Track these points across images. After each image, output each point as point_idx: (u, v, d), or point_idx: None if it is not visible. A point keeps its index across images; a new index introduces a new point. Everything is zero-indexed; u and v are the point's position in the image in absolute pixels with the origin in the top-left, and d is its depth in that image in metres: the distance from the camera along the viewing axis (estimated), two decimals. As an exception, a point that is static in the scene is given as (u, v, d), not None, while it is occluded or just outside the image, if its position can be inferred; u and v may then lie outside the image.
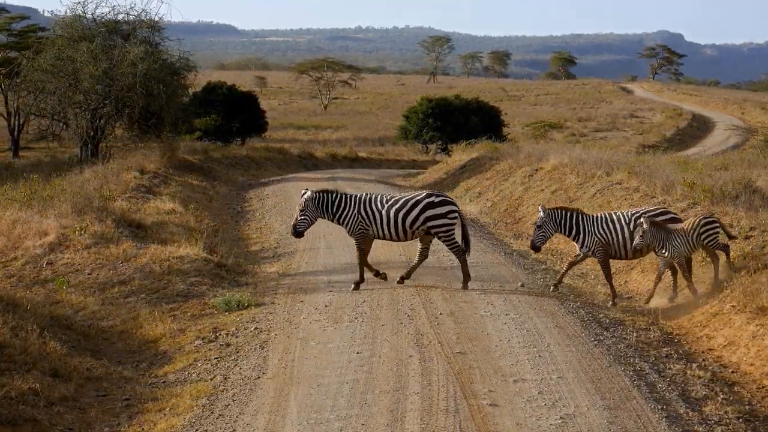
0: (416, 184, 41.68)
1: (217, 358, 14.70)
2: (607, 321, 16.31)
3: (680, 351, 14.84)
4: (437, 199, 18.58)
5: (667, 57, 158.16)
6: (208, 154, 45.45)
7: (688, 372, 13.67)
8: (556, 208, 18.80)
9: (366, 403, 12.14)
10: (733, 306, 15.57)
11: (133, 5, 75.67)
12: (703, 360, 14.39)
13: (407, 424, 11.41)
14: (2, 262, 20.09)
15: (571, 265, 18.98)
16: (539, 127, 71.60)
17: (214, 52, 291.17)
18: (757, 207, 19.79)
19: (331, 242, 23.97)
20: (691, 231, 17.42)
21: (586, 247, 18.30)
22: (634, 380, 13.01)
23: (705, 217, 17.67)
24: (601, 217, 18.39)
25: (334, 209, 18.74)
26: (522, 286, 18.66)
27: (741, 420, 11.90)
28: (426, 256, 18.97)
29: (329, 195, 18.85)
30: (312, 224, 19.12)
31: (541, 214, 18.55)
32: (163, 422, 12.14)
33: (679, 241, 17.37)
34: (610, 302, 17.96)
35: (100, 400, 13.25)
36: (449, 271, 20.09)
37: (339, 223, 18.92)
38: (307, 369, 13.68)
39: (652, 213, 18.17)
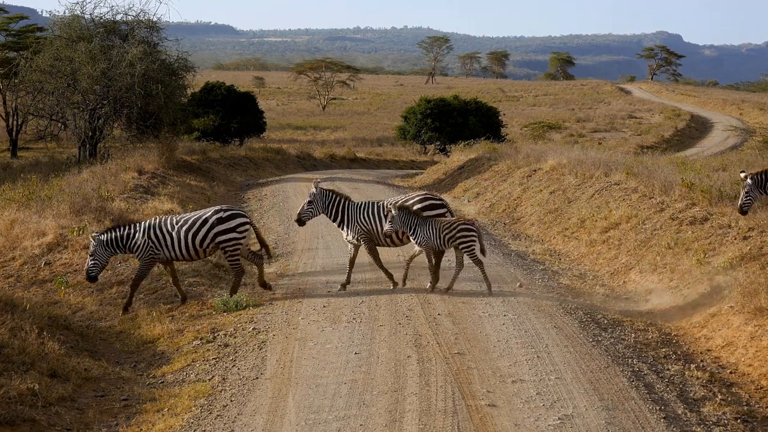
0: (414, 184, 41.68)
1: (215, 358, 14.70)
2: (606, 322, 16.31)
3: (678, 351, 14.84)
4: (225, 214, 17.92)
5: (665, 58, 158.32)
6: (207, 154, 45.43)
7: (687, 372, 13.67)
8: (328, 190, 18.75)
9: (364, 404, 12.14)
10: (731, 307, 15.58)
11: (131, 5, 75.97)
12: (702, 360, 14.39)
13: (405, 424, 11.40)
14: (0, 262, 20.10)
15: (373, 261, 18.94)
16: (538, 127, 71.69)
17: (213, 53, 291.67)
18: (755, 208, 19.79)
19: (329, 243, 23.98)
20: (446, 229, 17.77)
21: (351, 234, 18.48)
22: (633, 381, 13.01)
23: (464, 223, 17.96)
24: (363, 204, 18.59)
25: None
26: (520, 286, 18.66)
27: (739, 420, 11.90)
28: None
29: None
30: None
31: (313, 189, 18.59)
32: (162, 422, 12.14)
33: (431, 231, 17.78)
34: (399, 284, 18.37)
35: (99, 400, 13.25)
36: (447, 271, 20.07)
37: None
38: (305, 369, 13.67)
39: (413, 200, 18.43)
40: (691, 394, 12.75)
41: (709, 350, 14.87)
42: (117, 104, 39.91)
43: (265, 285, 18.43)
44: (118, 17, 42.30)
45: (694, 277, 17.81)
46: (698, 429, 11.50)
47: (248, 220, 18.28)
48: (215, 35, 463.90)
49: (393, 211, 17.81)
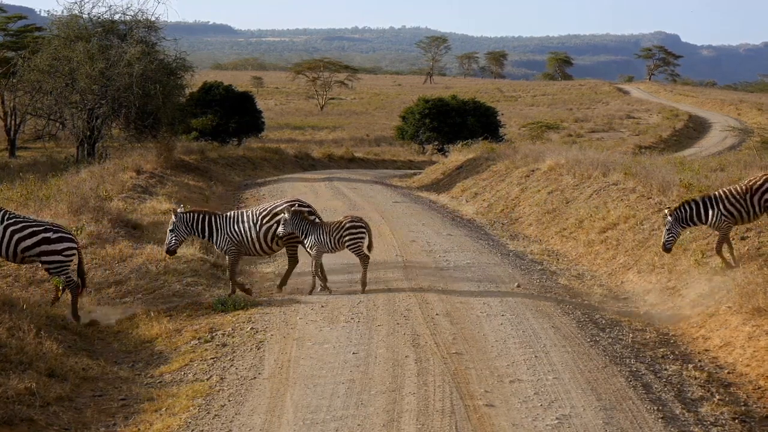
0: (413, 184, 41.70)
1: (213, 358, 14.69)
2: (604, 322, 16.31)
3: (676, 352, 14.85)
4: (54, 236, 17.26)
5: (663, 58, 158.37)
6: (205, 154, 45.41)
7: (684, 373, 13.68)
8: (188, 212, 18.73)
9: (362, 404, 12.14)
10: (729, 307, 15.59)
11: (129, 5, 76.04)
12: (699, 361, 14.39)
13: (403, 424, 11.41)
14: (-2, 261, 20.07)
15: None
16: (536, 127, 71.72)
17: (211, 52, 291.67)
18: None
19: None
20: (336, 230, 18.03)
21: (219, 246, 18.50)
22: (630, 381, 13.02)
23: (352, 220, 18.23)
24: (231, 216, 18.58)
25: None
26: (518, 286, 18.66)
27: (737, 421, 11.90)
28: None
29: None
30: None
31: (173, 218, 18.59)
32: (160, 422, 12.13)
33: (322, 234, 18.05)
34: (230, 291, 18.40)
35: (97, 400, 13.24)
36: (445, 271, 20.09)
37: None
38: (303, 369, 13.68)
39: (282, 206, 18.37)
40: (689, 394, 12.75)
41: (707, 350, 14.88)
42: (115, 104, 39.90)
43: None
44: (117, 17, 42.37)
45: (692, 278, 17.81)
46: (696, 429, 11.51)
47: (76, 245, 17.50)
48: (213, 35, 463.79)
49: (286, 215, 18.04)
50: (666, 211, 18.44)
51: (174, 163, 38.56)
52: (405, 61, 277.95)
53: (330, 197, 33.50)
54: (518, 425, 11.38)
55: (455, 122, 60.70)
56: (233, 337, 15.72)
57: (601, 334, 15.46)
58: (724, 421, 11.84)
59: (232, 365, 14.22)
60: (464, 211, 31.09)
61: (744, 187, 18.10)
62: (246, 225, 18.46)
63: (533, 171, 32.16)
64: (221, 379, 13.64)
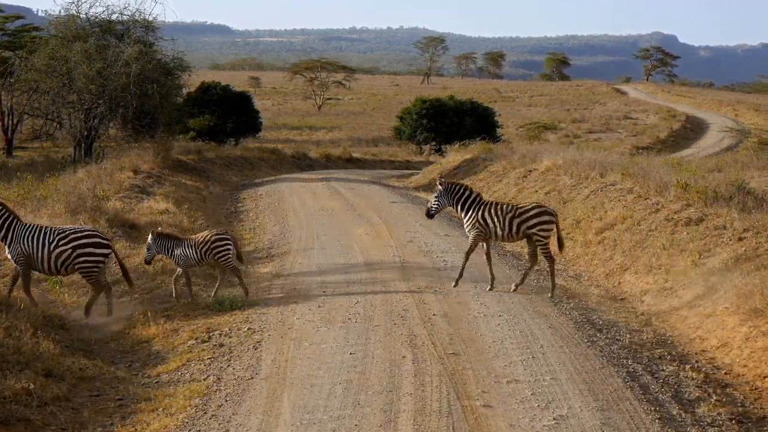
0: (410, 184, 41.69)
1: (210, 358, 14.69)
2: (601, 322, 16.32)
3: (673, 352, 14.85)
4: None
5: (661, 58, 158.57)
6: (202, 154, 45.39)
7: (681, 373, 13.68)
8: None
9: (359, 404, 12.14)
10: (726, 307, 15.59)
11: (127, 5, 75.91)
12: (697, 361, 14.40)
13: (400, 425, 11.41)
14: (-5, 261, 20.05)
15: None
16: (533, 128, 71.73)
17: (209, 53, 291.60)
18: (750, 208, 19.82)
19: (325, 243, 23.96)
20: (202, 244, 18.04)
21: (11, 255, 17.34)
22: (627, 381, 13.03)
23: (218, 234, 18.35)
24: (30, 228, 17.29)
25: None
26: (515, 287, 18.65)
27: (734, 421, 11.91)
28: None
29: None
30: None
31: None
32: (156, 422, 12.13)
33: (188, 250, 18.05)
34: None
35: (94, 400, 13.23)
36: (443, 272, 20.10)
37: None
38: (300, 369, 13.67)
39: (83, 233, 17.38)
40: (686, 395, 12.76)
41: (704, 351, 14.88)
42: (113, 104, 39.90)
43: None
44: (114, 17, 42.40)
45: (690, 279, 17.81)
46: (693, 430, 11.52)
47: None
48: (211, 35, 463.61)
49: (149, 238, 18.17)
50: (438, 180, 19.43)
51: (171, 163, 38.55)
52: (403, 61, 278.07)
53: (328, 197, 33.50)
54: (515, 426, 11.38)
55: (453, 122, 60.71)
56: (230, 337, 15.72)
57: (598, 334, 15.47)
58: (721, 422, 11.85)
59: (229, 365, 14.22)
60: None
61: (511, 207, 18.83)
62: (41, 240, 17.13)
63: (531, 171, 32.15)
64: (218, 379, 13.63)
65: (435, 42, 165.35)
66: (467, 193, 18.90)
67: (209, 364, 14.39)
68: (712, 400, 12.57)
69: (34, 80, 40.29)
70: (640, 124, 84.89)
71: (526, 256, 19.47)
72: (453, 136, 55.97)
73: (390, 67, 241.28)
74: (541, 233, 18.60)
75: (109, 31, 41.86)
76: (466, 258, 18.95)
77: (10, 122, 49.21)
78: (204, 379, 13.69)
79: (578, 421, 11.51)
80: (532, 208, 18.72)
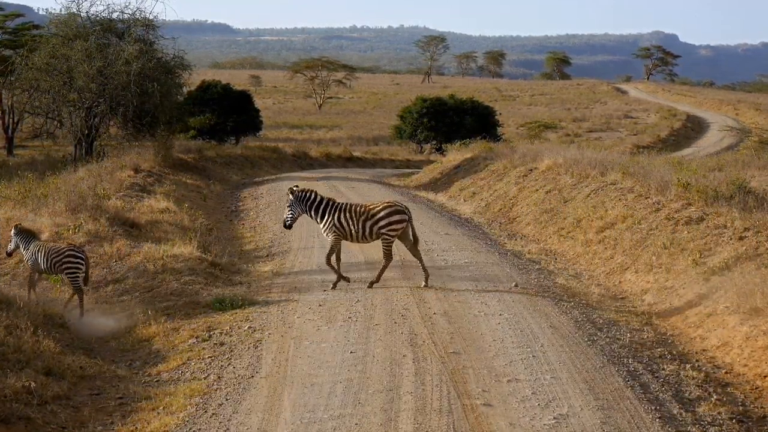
0: (410, 183, 41.70)
1: (210, 357, 14.69)
2: (601, 321, 16.32)
3: (674, 351, 14.85)
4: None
5: (661, 57, 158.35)
6: (203, 153, 45.42)
7: (682, 372, 13.68)
8: None
9: (359, 403, 12.14)
10: (726, 307, 15.59)
11: (127, 4, 75.97)
12: (697, 360, 14.40)
13: (401, 423, 11.41)
14: (-4, 260, 20.08)
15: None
16: (534, 127, 71.70)
17: (209, 51, 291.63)
18: (751, 208, 19.81)
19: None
20: (54, 254, 17.67)
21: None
22: (628, 380, 13.03)
23: (71, 249, 17.89)
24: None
25: None
26: (516, 286, 18.66)
27: (734, 420, 11.91)
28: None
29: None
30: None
31: None
32: (157, 421, 12.12)
33: (39, 253, 17.70)
34: None
35: (94, 398, 13.24)
36: (443, 270, 20.10)
37: None
38: (300, 368, 13.67)
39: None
40: (687, 394, 12.76)
41: (704, 350, 14.88)
42: (113, 102, 39.89)
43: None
44: (115, 15, 42.36)
45: (690, 278, 17.81)
46: (693, 429, 11.51)
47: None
48: (211, 34, 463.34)
49: (12, 231, 18.14)
50: (290, 188, 19.34)
51: (172, 162, 38.57)
52: (403, 60, 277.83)
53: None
54: (516, 424, 11.38)
55: (453, 121, 60.69)
56: (231, 336, 15.72)
57: (598, 333, 15.46)
58: (721, 421, 11.85)
59: (229, 364, 14.22)
60: (462, 210, 31.10)
61: (363, 208, 18.87)
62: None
63: (531, 170, 32.15)
64: (219, 378, 13.63)
65: (436, 41, 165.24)
66: (319, 198, 18.94)
67: (210, 363, 14.40)
68: (712, 399, 12.57)
69: (35, 79, 40.26)
70: (641, 123, 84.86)
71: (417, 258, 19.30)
72: (453, 135, 55.92)
73: (390, 66, 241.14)
74: (390, 232, 18.69)
75: (109, 29, 41.84)
76: (328, 261, 18.90)
77: (11, 121, 49.23)
78: (204, 378, 13.69)
79: (578, 420, 11.51)
80: (383, 208, 18.80)
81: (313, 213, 18.92)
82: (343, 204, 19.08)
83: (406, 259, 21.22)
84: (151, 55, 40.77)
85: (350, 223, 18.71)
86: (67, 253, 17.68)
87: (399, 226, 18.71)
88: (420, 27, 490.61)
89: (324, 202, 18.89)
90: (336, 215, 18.74)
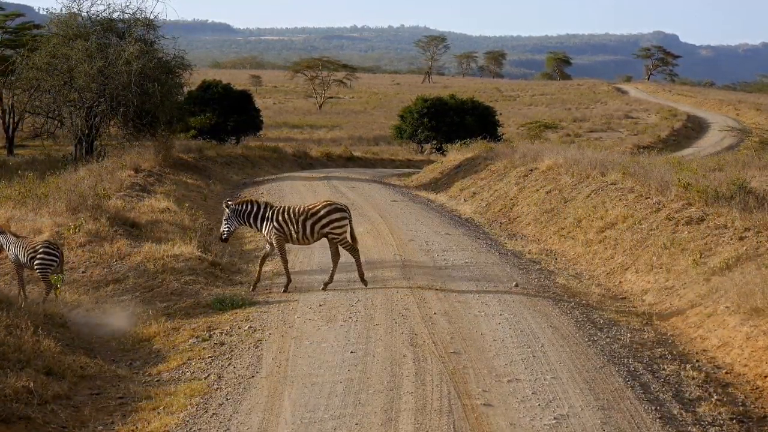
0: (411, 183, 41.70)
1: (211, 356, 14.69)
2: (601, 321, 16.33)
3: (674, 352, 14.85)
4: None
5: (662, 58, 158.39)
6: (203, 152, 45.40)
7: (682, 373, 13.68)
8: None
9: (360, 403, 12.14)
10: (727, 307, 15.58)
11: (128, 3, 76.00)
12: (697, 361, 14.39)
13: (401, 423, 11.41)
14: (-4, 259, 20.07)
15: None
16: (534, 127, 71.61)
17: (210, 51, 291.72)
18: (751, 208, 19.81)
19: (326, 242, 23.92)
20: (30, 251, 17.82)
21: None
22: (628, 381, 13.03)
23: (48, 246, 17.98)
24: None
25: None
26: (516, 286, 18.67)
27: (735, 421, 11.91)
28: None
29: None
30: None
31: None
32: (157, 421, 12.13)
33: (19, 249, 17.91)
34: None
35: (94, 398, 13.24)
36: (443, 270, 20.10)
37: None
38: (301, 368, 13.68)
39: None
40: (687, 395, 12.76)
41: (704, 350, 14.88)
42: (113, 102, 39.85)
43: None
44: (115, 15, 42.29)
45: (690, 278, 17.81)
46: (694, 429, 11.52)
47: None
48: (212, 34, 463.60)
49: None
50: (225, 203, 19.30)
51: (172, 162, 38.56)
52: (404, 60, 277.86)
53: (329, 196, 33.48)
54: (516, 425, 11.39)
55: (453, 121, 60.65)
56: (231, 335, 15.73)
57: (599, 333, 15.47)
58: (722, 421, 11.85)
59: (230, 364, 14.22)
60: (462, 210, 31.10)
61: (302, 209, 18.91)
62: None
63: (531, 170, 32.15)
64: (219, 377, 13.64)
65: (436, 41, 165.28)
66: (255, 207, 18.91)
67: (210, 363, 14.40)
68: (712, 399, 12.57)
69: (35, 78, 40.24)
70: (641, 123, 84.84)
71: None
72: (454, 135, 55.87)
73: (391, 66, 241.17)
74: (335, 231, 18.70)
75: (110, 29, 41.81)
76: (284, 262, 18.94)
77: (11, 120, 49.20)
78: (205, 378, 13.70)
79: (579, 420, 11.51)
80: (323, 207, 18.82)
81: (252, 222, 18.90)
82: (281, 206, 19.08)
83: (406, 259, 21.23)
84: (151, 54, 40.74)
85: (289, 223, 18.69)
86: (40, 249, 17.79)
87: (342, 223, 18.74)
88: (420, 27, 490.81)
89: (263, 209, 18.85)
90: (275, 218, 18.73)
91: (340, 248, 18.87)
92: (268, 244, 19.13)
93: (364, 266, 19.07)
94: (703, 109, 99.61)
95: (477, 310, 16.55)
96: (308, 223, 18.68)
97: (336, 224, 18.72)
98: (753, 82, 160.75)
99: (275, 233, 18.74)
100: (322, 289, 18.55)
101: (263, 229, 18.91)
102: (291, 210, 18.86)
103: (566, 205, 26.28)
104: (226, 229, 19.03)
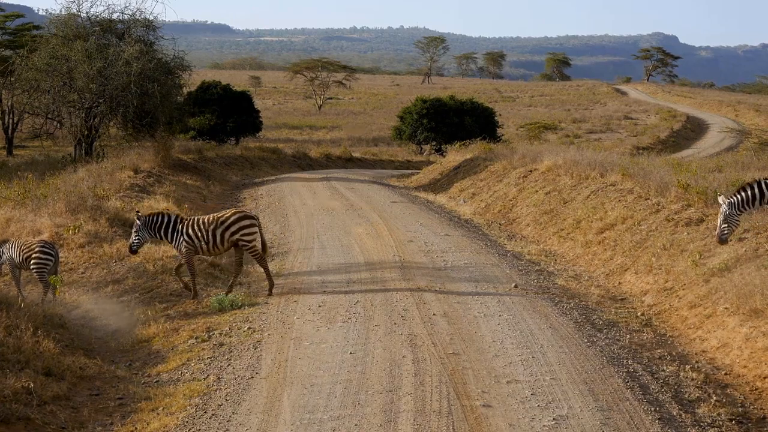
0: (410, 184, 41.69)
1: (210, 357, 14.69)
2: (601, 322, 16.32)
3: (673, 353, 14.85)
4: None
5: (661, 59, 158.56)
6: (203, 153, 45.41)
7: (681, 374, 13.68)
8: None
9: (359, 404, 12.14)
10: (726, 308, 15.58)
11: (127, 4, 76.04)
12: (697, 362, 14.39)
13: (400, 424, 11.41)
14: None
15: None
16: (533, 128, 71.72)
17: (209, 52, 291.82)
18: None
19: (325, 242, 23.97)
20: (26, 251, 17.89)
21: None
22: (628, 382, 13.03)
23: (43, 245, 18.06)
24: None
25: None
26: (515, 287, 18.66)
27: (734, 422, 11.91)
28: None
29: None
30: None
31: None
32: (156, 421, 12.13)
33: (12, 251, 17.96)
34: None
35: (94, 399, 13.24)
36: (443, 271, 20.10)
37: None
38: (300, 369, 13.68)
39: None
40: (686, 396, 12.76)
41: (704, 351, 14.88)
42: (113, 103, 39.88)
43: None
44: (115, 16, 42.39)
45: (690, 279, 17.81)
46: (693, 430, 11.52)
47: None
48: (211, 34, 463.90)
49: None
50: (137, 213, 18.99)
51: (171, 163, 38.55)
52: (403, 61, 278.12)
53: (328, 197, 33.51)
54: (515, 426, 11.38)
55: (453, 122, 60.70)
56: (230, 336, 15.72)
57: (598, 334, 15.47)
58: (721, 423, 11.85)
59: (229, 365, 14.22)
60: (462, 211, 31.09)
61: (212, 218, 18.72)
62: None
63: (531, 171, 32.14)
64: (218, 378, 13.64)
65: (435, 42, 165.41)
66: (166, 219, 18.67)
67: (209, 364, 14.40)
68: (712, 400, 12.57)
69: (35, 79, 40.26)
70: (641, 124, 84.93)
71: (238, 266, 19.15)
72: (453, 136, 55.98)
73: (390, 67, 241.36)
74: (244, 238, 18.60)
75: (109, 30, 41.86)
76: (192, 275, 18.65)
77: (11, 121, 49.22)
78: (204, 379, 13.70)
79: (578, 421, 11.51)
80: (232, 215, 18.72)
81: (163, 235, 18.63)
82: (191, 219, 18.86)
83: (405, 260, 21.23)
84: (151, 55, 40.77)
85: (199, 235, 18.49)
86: (37, 249, 17.84)
87: (251, 230, 18.66)
88: (420, 28, 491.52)
89: (173, 222, 18.62)
90: (185, 230, 18.50)
91: (250, 256, 18.75)
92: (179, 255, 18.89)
93: (363, 267, 19.04)
94: (703, 110, 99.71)
95: (476, 311, 16.55)
96: (218, 232, 18.51)
97: (245, 231, 18.61)
98: (752, 83, 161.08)
99: (185, 246, 18.46)
100: (268, 295, 18.43)
101: (173, 242, 18.64)
102: (201, 221, 18.64)
103: (565, 206, 26.28)
104: (136, 240, 18.66)
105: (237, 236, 18.56)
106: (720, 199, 17.83)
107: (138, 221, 18.60)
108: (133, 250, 18.95)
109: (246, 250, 18.74)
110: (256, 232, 18.78)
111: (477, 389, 12.58)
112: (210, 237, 18.51)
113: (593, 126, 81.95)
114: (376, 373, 13.29)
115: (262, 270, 20.94)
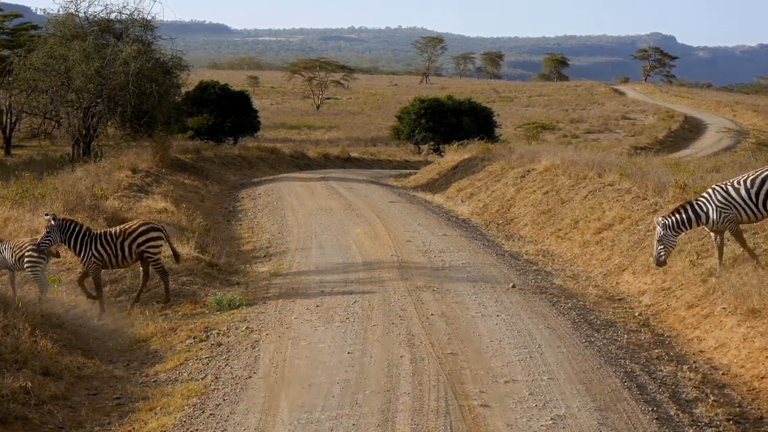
0: (408, 184, 41.68)
1: (208, 357, 14.69)
2: (598, 322, 16.33)
3: (671, 353, 14.85)
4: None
5: (659, 59, 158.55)
6: (201, 153, 45.38)
7: (679, 374, 13.69)
8: None
9: (357, 404, 12.14)
10: (724, 308, 15.59)
11: (125, 4, 75.99)
12: (694, 362, 14.40)
13: (398, 424, 11.41)
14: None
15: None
16: (531, 128, 71.75)
17: (207, 52, 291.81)
18: (748, 209, 19.77)
19: (323, 242, 23.96)
20: (18, 250, 17.81)
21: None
22: (625, 382, 13.03)
23: (32, 243, 17.91)
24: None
25: None
26: (513, 287, 18.66)
27: (731, 422, 11.91)
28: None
29: None
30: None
31: None
32: (154, 421, 12.13)
33: (7, 252, 17.91)
34: None
35: (91, 398, 13.24)
36: (441, 271, 20.10)
37: None
38: (298, 369, 13.68)
39: None
40: (684, 395, 12.76)
41: (701, 351, 14.89)
42: (111, 103, 39.89)
43: None
44: (113, 16, 42.44)
45: (687, 279, 17.81)
46: (690, 430, 11.52)
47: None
48: (209, 34, 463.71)
49: None
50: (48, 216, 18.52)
51: (170, 162, 38.53)
52: (401, 61, 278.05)
53: (326, 197, 33.50)
54: (513, 425, 11.39)
55: (451, 122, 60.69)
56: (228, 336, 15.73)
57: (596, 334, 15.47)
58: (718, 423, 11.86)
59: (227, 364, 14.22)
60: (460, 211, 31.08)
61: (119, 231, 18.47)
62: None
63: (529, 171, 32.14)
64: (216, 378, 13.64)
65: (433, 42, 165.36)
66: (77, 229, 18.16)
67: (207, 363, 14.40)
68: (709, 400, 12.58)
69: (33, 79, 40.28)
70: (639, 124, 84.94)
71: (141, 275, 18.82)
72: (451, 136, 55.95)
73: (388, 67, 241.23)
74: (150, 250, 18.35)
75: (107, 30, 41.90)
76: (98, 290, 18.15)
77: (9, 121, 49.20)
78: (202, 378, 13.70)
79: (576, 421, 11.52)
80: (139, 227, 18.50)
81: (70, 244, 18.15)
82: (99, 232, 18.48)
83: (403, 260, 21.23)
84: (149, 55, 40.79)
85: (109, 250, 18.12)
86: (29, 249, 17.79)
87: (158, 242, 18.49)
88: (418, 28, 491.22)
89: (82, 233, 18.12)
90: (93, 246, 18.04)
91: (152, 268, 18.57)
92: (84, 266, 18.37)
93: (361, 267, 19.05)
94: (701, 110, 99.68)
95: (474, 311, 16.55)
96: (125, 244, 18.21)
97: (151, 243, 18.38)
98: (750, 84, 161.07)
99: (93, 262, 18.02)
100: (130, 306, 18.15)
101: (79, 254, 18.16)
102: (109, 234, 18.28)
103: (563, 206, 26.29)
104: (48, 240, 17.93)
105: (143, 248, 18.28)
106: (655, 221, 17.88)
107: (52, 222, 18.05)
108: (40, 249, 18.04)
109: (150, 262, 18.44)
110: (161, 245, 18.60)
111: (475, 389, 12.58)
112: (119, 251, 18.21)
113: (591, 126, 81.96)
114: (374, 373, 13.29)
115: (259, 270, 20.99)
